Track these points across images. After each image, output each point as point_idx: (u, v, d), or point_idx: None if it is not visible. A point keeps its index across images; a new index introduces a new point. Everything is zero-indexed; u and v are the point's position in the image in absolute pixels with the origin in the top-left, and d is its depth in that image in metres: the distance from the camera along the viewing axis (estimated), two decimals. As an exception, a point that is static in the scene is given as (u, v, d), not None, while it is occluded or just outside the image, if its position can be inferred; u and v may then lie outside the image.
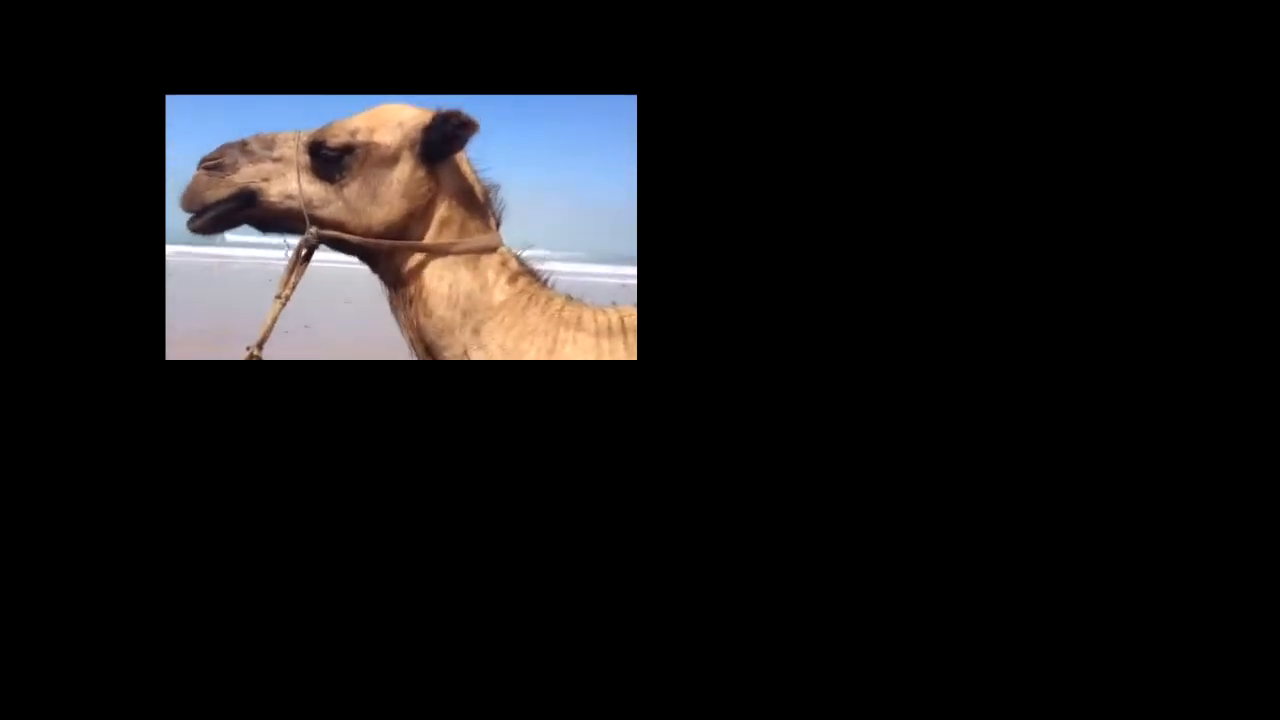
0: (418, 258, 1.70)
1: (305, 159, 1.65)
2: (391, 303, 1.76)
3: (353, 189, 1.66)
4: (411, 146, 1.67)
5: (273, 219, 1.69)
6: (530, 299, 1.74)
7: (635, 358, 1.67)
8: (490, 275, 1.73)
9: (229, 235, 1.80)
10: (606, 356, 1.71)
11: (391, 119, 1.68)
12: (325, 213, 1.66)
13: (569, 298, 1.80)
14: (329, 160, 1.65)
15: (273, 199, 1.65)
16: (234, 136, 1.69)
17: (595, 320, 1.75)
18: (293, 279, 1.68)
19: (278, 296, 1.66)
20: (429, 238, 1.71)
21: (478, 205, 1.77)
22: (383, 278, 1.75)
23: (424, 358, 1.75)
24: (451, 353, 1.71)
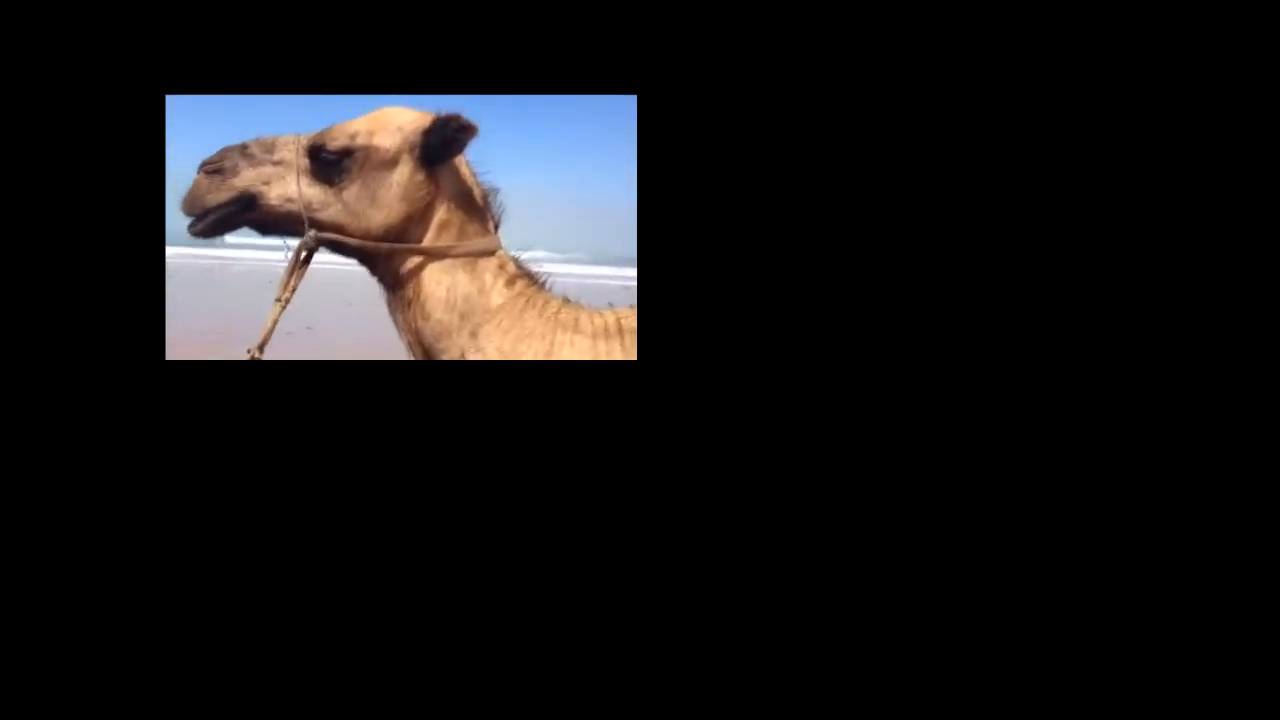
0: (416, 260, 1.71)
1: (305, 162, 1.66)
2: (390, 305, 1.76)
3: (352, 192, 1.66)
4: (411, 150, 1.67)
5: (272, 222, 1.69)
6: (528, 302, 1.75)
7: (632, 359, 1.67)
8: (488, 278, 1.73)
9: (229, 237, 1.81)
10: (603, 358, 1.71)
11: (391, 122, 1.69)
12: (324, 215, 1.66)
13: (566, 300, 1.81)
14: (328, 163, 1.66)
15: (273, 202, 1.66)
16: (234, 137, 1.70)
17: (592, 322, 1.76)
18: (292, 281, 1.68)
19: (278, 299, 1.67)
20: (428, 240, 1.71)
21: (476, 208, 1.78)
22: (381, 280, 1.76)
23: (422, 359, 1.75)
24: (449, 355, 1.71)
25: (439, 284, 1.71)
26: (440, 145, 1.67)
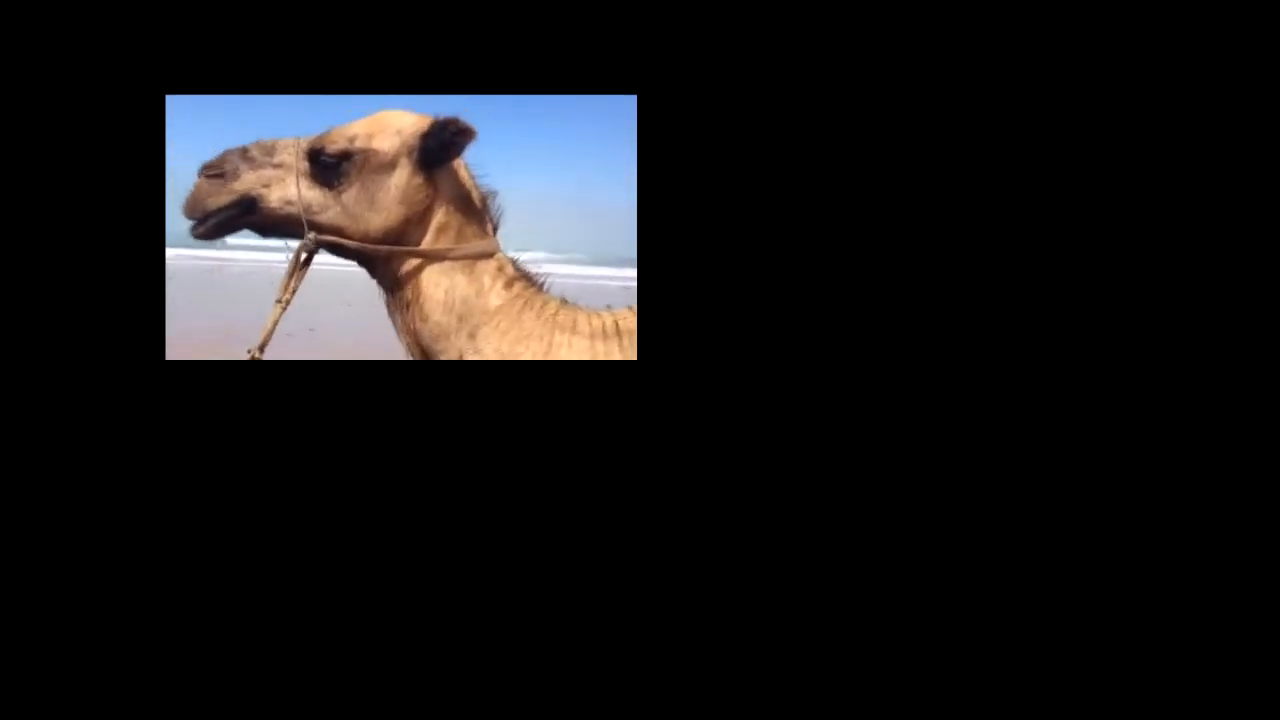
0: (415, 262, 1.72)
1: (305, 165, 1.67)
2: (389, 306, 1.77)
3: (351, 195, 1.67)
4: (409, 153, 1.68)
5: (272, 224, 1.70)
6: (526, 303, 1.75)
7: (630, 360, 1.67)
8: (486, 280, 1.74)
9: (229, 239, 1.82)
10: (601, 359, 1.71)
11: (390, 126, 1.69)
12: (324, 218, 1.67)
13: (564, 301, 1.82)
14: (328, 166, 1.66)
15: (273, 205, 1.67)
16: (234, 137, 1.72)
17: (590, 323, 1.76)
18: (292, 283, 1.69)
19: (278, 300, 1.68)
20: (426, 243, 1.72)
21: (475, 211, 1.78)
22: (380, 282, 1.76)
23: (421, 360, 1.75)
24: (448, 356, 1.72)
25: (437, 286, 1.71)
26: (438, 148, 1.68)
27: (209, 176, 1.67)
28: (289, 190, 1.66)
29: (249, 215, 1.68)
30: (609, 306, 1.83)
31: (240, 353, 1.62)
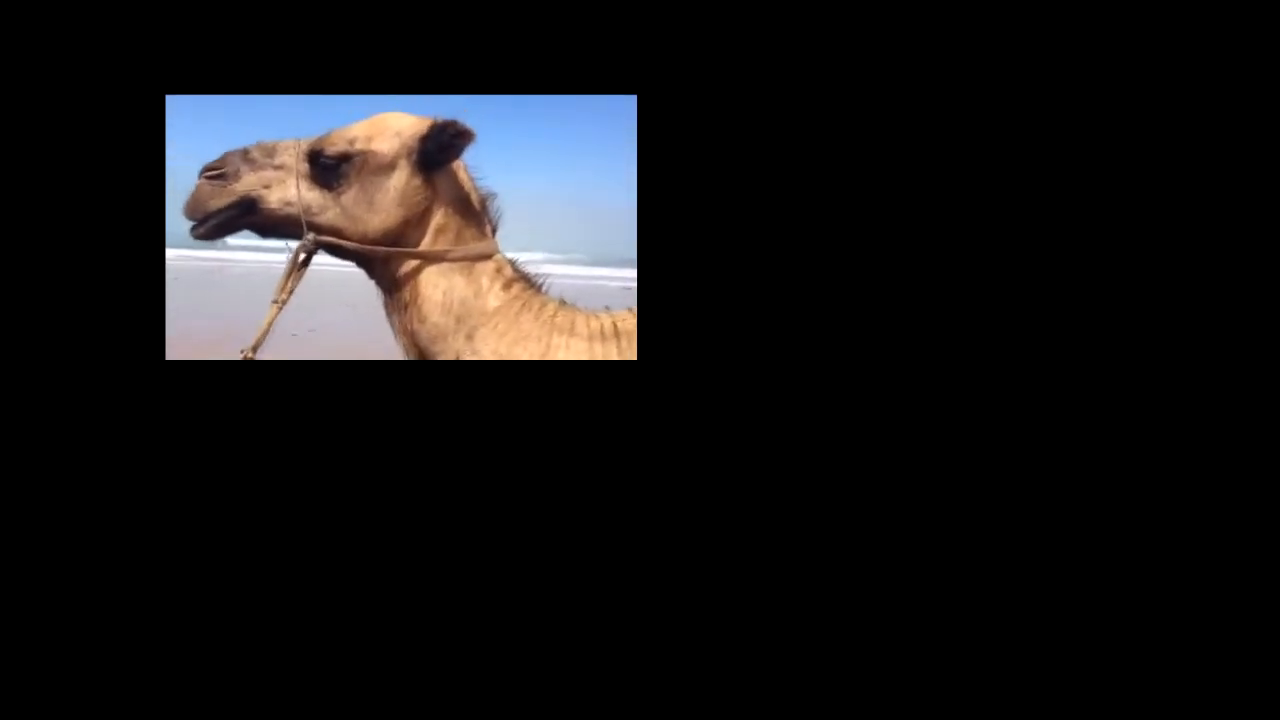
0: (413, 264, 1.72)
1: (304, 167, 1.67)
2: (387, 307, 1.78)
3: (350, 196, 1.67)
4: (408, 155, 1.69)
5: (272, 225, 1.71)
6: (524, 305, 1.76)
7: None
8: (484, 282, 1.74)
9: (230, 239, 1.82)
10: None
11: (390, 128, 1.70)
12: (323, 219, 1.68)
13: (563, 303, 1.82)
14: (327, 168, 1.67)
15: (273, 206, 1.68)
16: (234, 137, 1.73)
17: (588, 325, 1.76)
18: (290, 284, 1.70)
19: (275, 301, 1.68)
20: (425, 245, 1.72)
21: (474, 213, 1.79)
22: (378, 283, 1.77)
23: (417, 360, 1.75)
24: (445, 357, 1.73)
25: (435, 287, 1.72)
26: (437, 150, 1.69)
27: (209, 178, 1.68)
28: (289, 191, 1.67)
29: (249, 216, 1.69)
30: (607, 308, 1.83)
31: (238, 354, 1.63)
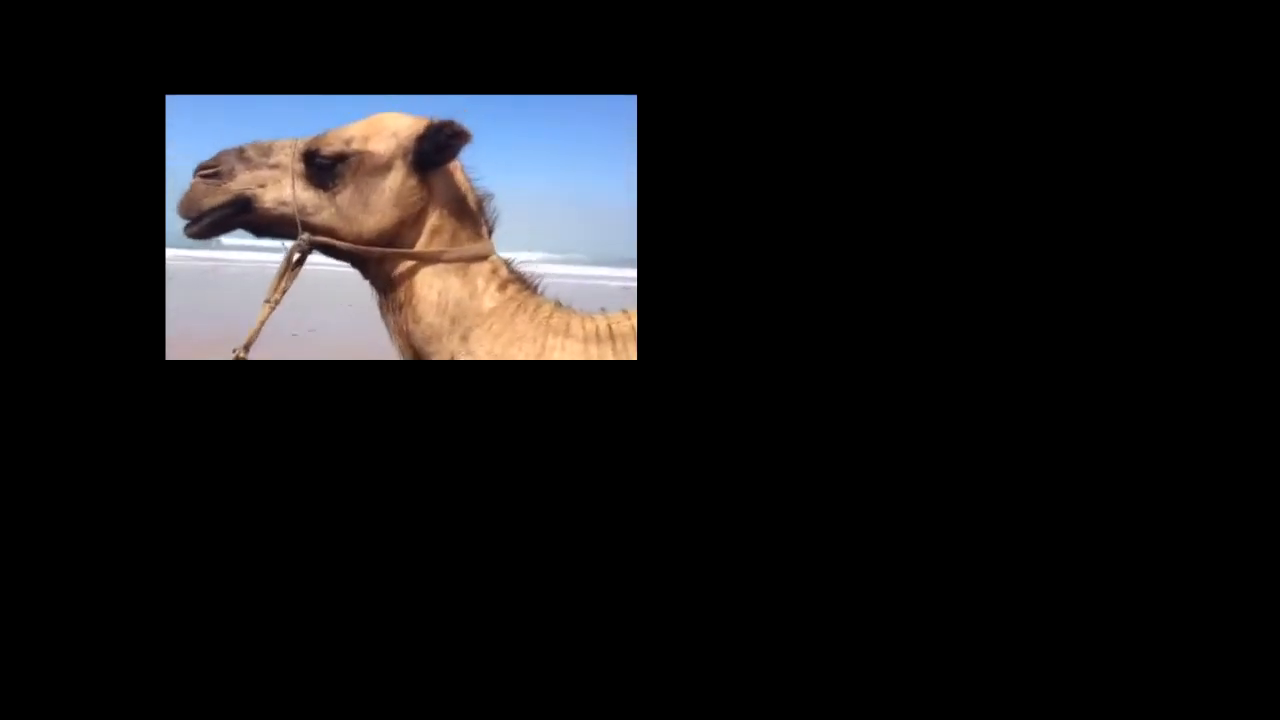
0: (408, 264, 1.72)
1: (300, 167, 1.67)
2: (381, 307, 1.77)
3: (345, 196, 1.67)
4: (404, 156, 1.69)
5: (266, 224, 1.71)
6: (519, 306, 1.76)
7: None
8: (480, 283, 1.74)
9: (225, 239, 1.82)
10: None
11: (386, 128, 1.70)
12: (318, 219, 1.68)
13: (558, 304, 1.82)
14: (323, 168, 1.67)
15: (267, 205, 1.67)
16: (234, 137, 1.73)
17: (583, 327, 1.77)
18: (283, 283, 1.70)
19: (268, 300, 1.68)
20: (420, 245, 1.73)
21: (469, 214, 1.79)
22: (373, 283, 1.77)
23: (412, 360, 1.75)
24: (440, 358, 1.73)
25: (430, 288, 1.72)
26: (433, 151, 1.69)
27: (204, 176, 1.68)
28: (284, 191, 1.66)
29: (243, 215, 1.69)
30: (603, 310, 1.83)
31: (231, 353, 1.63)
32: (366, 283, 1.78)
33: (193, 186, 1.68)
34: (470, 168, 1.82)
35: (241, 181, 1.66)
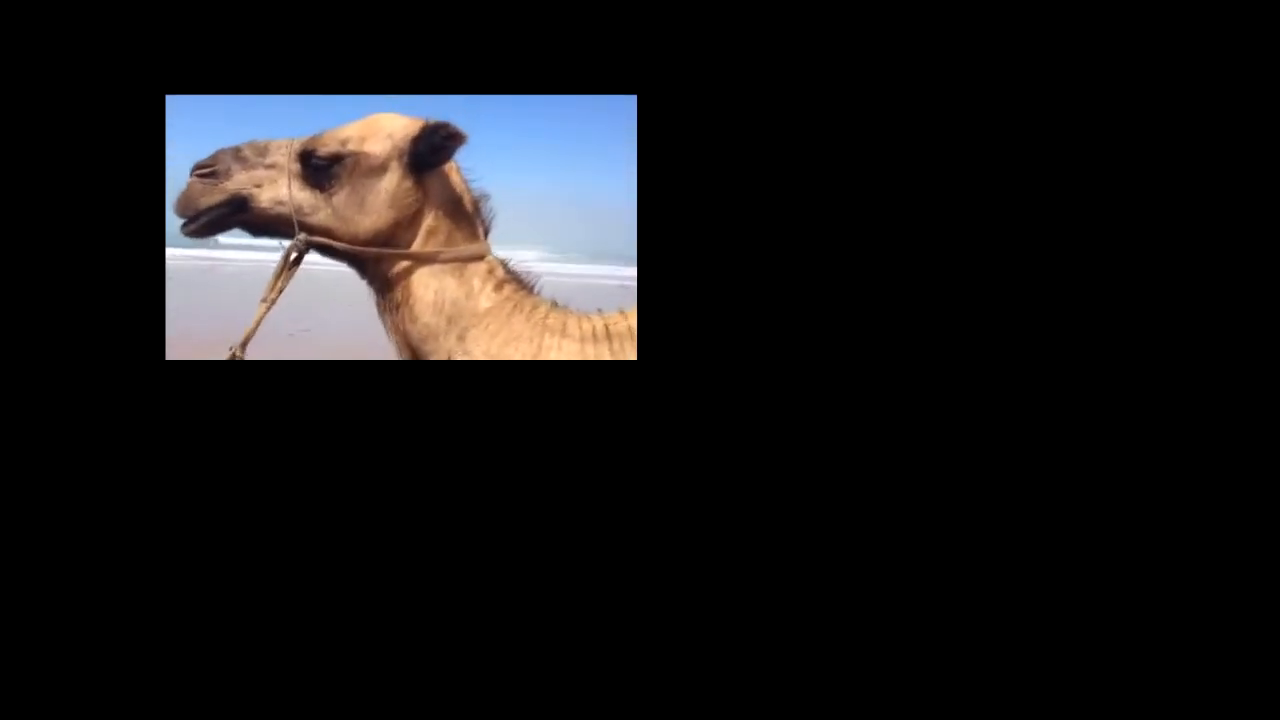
0: (405, 264, 1.73)
1: (296, 167, 1.68)
2: (379, 307, 1.78)
3: (341, 197, 1.68)
4: (400, 157, 1.69)
5: (263, 224, 1.71)
6: (515, 306, 1.76)
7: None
8: (476, 283, 1.75)
9: (222, 238, 1.82)
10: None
11: (382, 129, 1.71)
12: (314, 220, 1.68)
13: (555, 304, 1.83)
14: (319, 168, 1.68)
15: (264, 205, 1.68)
16: (233, 137, 1.73)
17: (580, 327, 1.77)
18: (279, 283, 1.70)
19: (264, 300, 1.69)
20: (416, 246, 1.73)
21: (465, 215, 1.79)
22: (370, 283, 1.77)
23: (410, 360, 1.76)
24: (437, 357, 1.74)
25: (427, 288, 1.72)
26: (429, 152, 1.69)
27: (201, 175, 1.68)
28: (280, 191, 1.67)
29: (240, 214, 1.69)
30: (600, 310, 1.83)
31: (227, 352, 1.63)
32: (362, 283, 1.79)
33: (189, 186, 1.68)
34: (467, 168, 1.83)
35: (238, 181, 1.67)
